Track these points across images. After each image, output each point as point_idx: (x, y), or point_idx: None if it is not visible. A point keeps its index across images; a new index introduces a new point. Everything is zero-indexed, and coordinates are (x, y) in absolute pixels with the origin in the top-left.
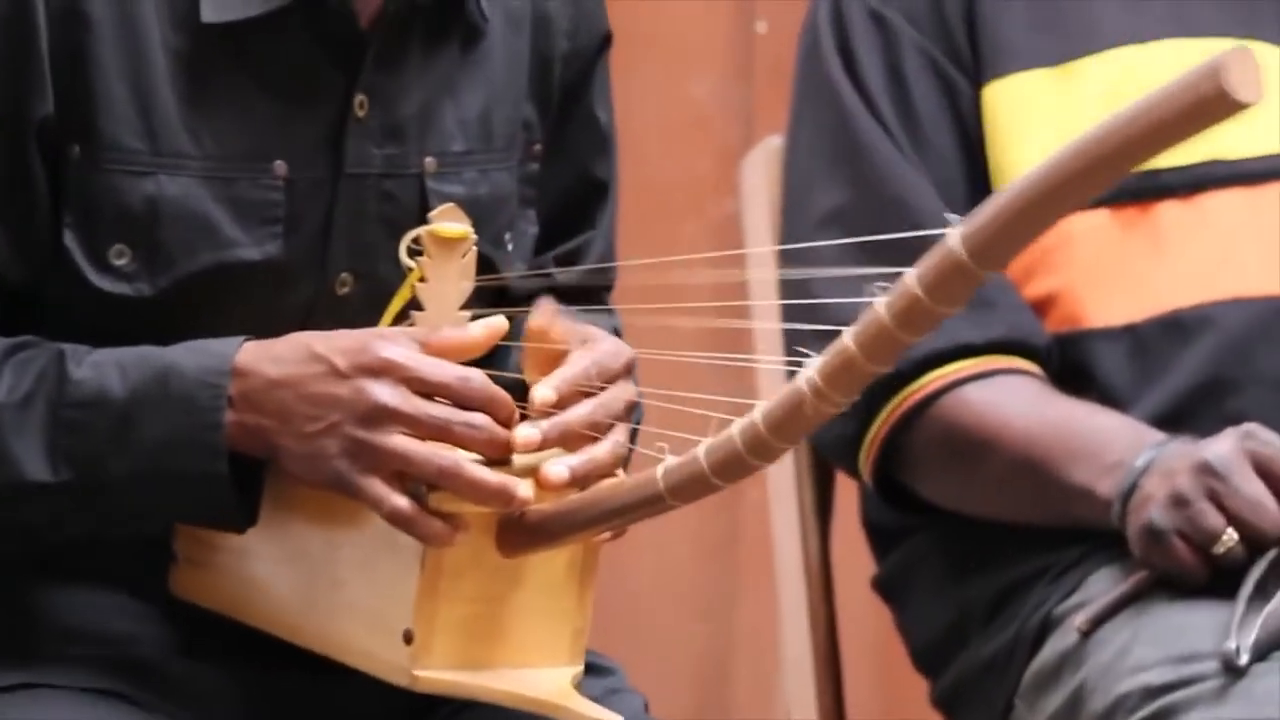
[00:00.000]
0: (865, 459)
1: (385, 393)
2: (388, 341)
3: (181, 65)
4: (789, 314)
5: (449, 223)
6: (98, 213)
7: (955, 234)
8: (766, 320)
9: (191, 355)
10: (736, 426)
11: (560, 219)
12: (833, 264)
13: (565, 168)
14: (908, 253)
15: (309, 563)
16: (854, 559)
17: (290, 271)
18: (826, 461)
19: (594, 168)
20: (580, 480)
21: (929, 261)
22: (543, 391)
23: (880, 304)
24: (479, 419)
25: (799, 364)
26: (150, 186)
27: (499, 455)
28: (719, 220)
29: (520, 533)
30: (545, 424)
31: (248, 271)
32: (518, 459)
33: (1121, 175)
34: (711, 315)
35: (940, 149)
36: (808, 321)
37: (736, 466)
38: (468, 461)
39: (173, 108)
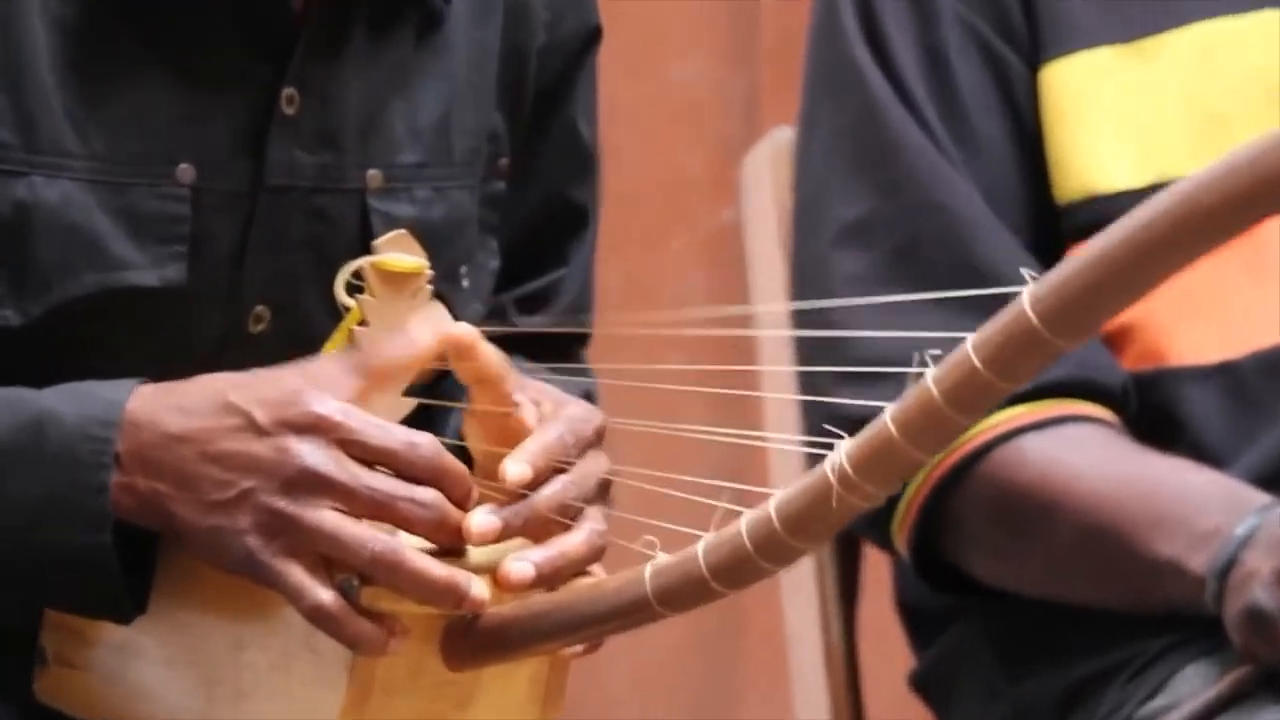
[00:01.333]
0: (900, 527)
1: (315, 455)
2: (320, 391)
3: (66, 40)
4: (807, 355)
5: (399, 254)
6: None
7: (1026, 295)
8: (779, 382)
9: (72, 400)
10: (745, 521)
11: (526, 252)
12: (860, 294)
13: (536, 189)
14: (954, 278)
15: (207, 666)
16: (885, 650)
17: (194, 302)
18: (851, 529)
19: (571, 191)
20: (547, 579)
21: (995, 326)
22: (517, 468)
23: (930, 378)
24: (428, 495)
25: (826, 444)
26: (21, 190)
27: (450, 543)
28: (714, 233)
29: (471, 641)
30: (507, 511)
31: (142, 300)
32: (471, 550)
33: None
34: (709, 375)
35: (988, 143)
36: (828, 362)
37: (744, 570)
38: (410, 549)
39: (53, 93)
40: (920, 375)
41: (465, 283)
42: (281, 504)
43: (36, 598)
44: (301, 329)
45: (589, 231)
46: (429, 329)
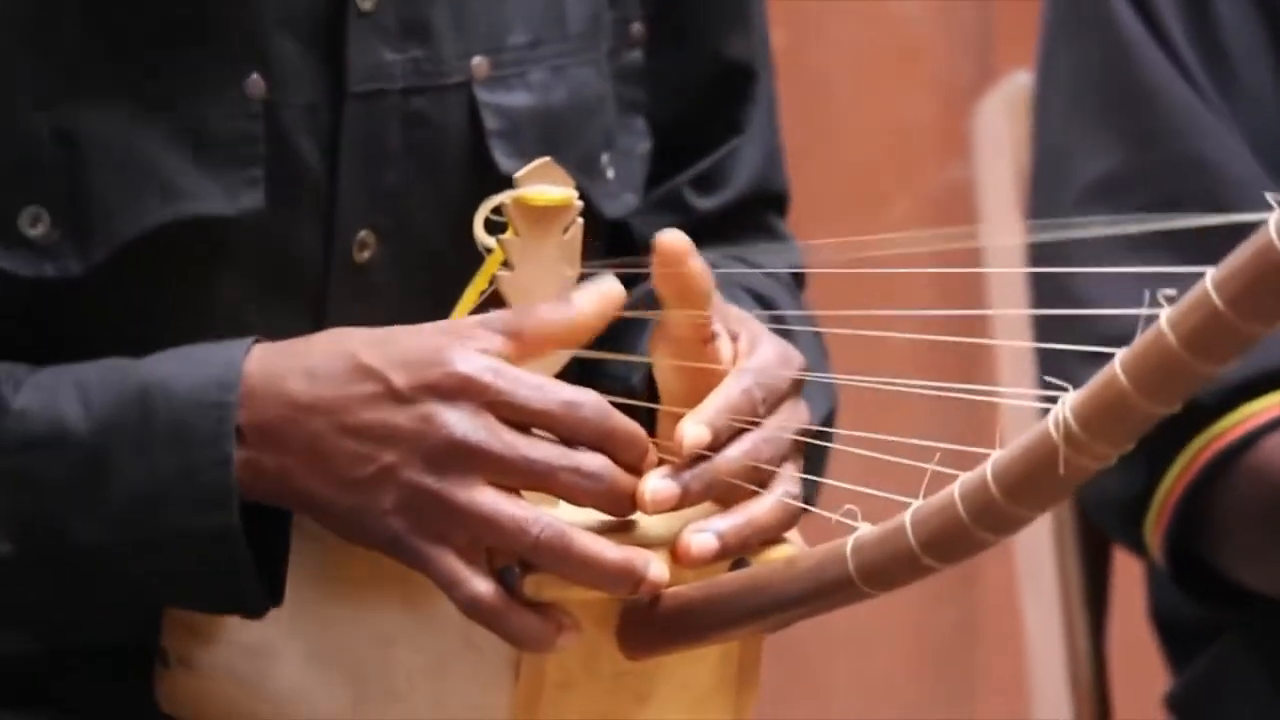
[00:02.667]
0: (1153, 527)
1: (463, 423)
2: (465, 350)
3: None
4: (1042, 323)
5: (544, 185)
6: None
7: (1274, 223)
8: (1007, 330)
9: (181, 366)
10: (959, 486)
11: (691, 125)
12: (1104, 251)
13: (687, 51)
14: (1212, 236)
15: (352, 664)
16: (1137, 667)
17: (282, 233)
18: (1100, 529)
19: (729, 46)
20: (733, 551)
21: (1239, 259)
22: (694, 430)
23: (1164, 319)
24: (594, 463)
25: (1051, 398)
26: (64, 119)
27: (620, 514)
28: (941, 192)
29: (651, 627)
30: (687, 474)
31: (219, 234)
32: (645, 521)
33: None
34: (927, 321)
35: (1255, 91)
36: (1067, 332)
37: (958, 542)
38: (578, 530)
39: (91, 3)
40: (1153, 319)
41: (610, 173)
42: (428, 481)
43: (157, 596)
44: (416, 253)
45: (760, 89)
46: (593, 293)
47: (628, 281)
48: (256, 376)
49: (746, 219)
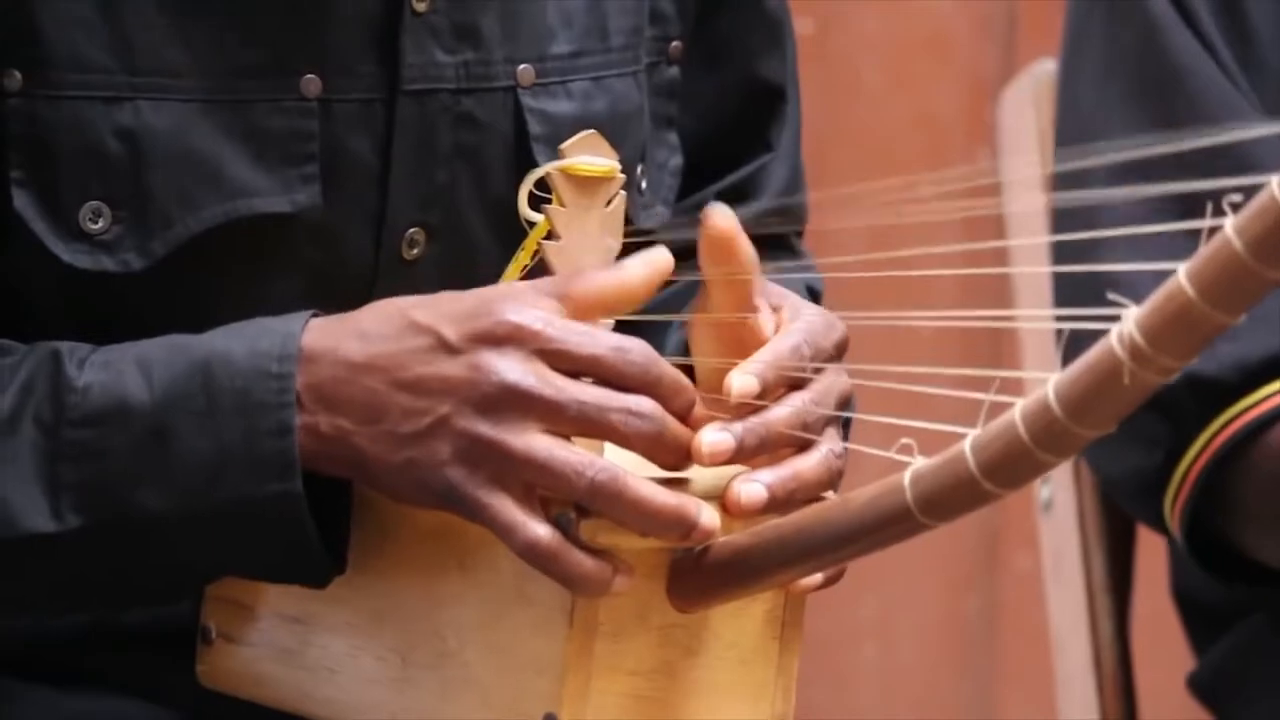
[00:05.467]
0: (1173, 505)
1: (513, 370)
2: (514, 301)
3: None
4: (1067, 292)
5: (590, 156)
6: (57, 160)
7: None
8: (1031, 288)
9: (239, 339)
10: (1019, 410)
11: (721, 141)
12: (1129, 221)
13: (721, 70)
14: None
15: (401, 629)
16: (1161, 648)
17: (336, 229)
18: (1124, 511)
19: (762, 66)
20: (780, 504)
21: None
22: (744, 380)
23: (1230, 225)
24: (645, 405)
25: (1113, 316)
26: (126, 117)
27: (673, 462)
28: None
29: (701, 576)
30: (740, 426)
31: (276, 230)
32: (697, 474)
33: None
34: (952, 302)
35: (1279, 75)
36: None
37: (1021, 465)
38: (632, 475)
39: (152, 3)
40: (1218, 228)
41: (643, 184)
42: (483, 428)
43: (223, 565)
44: (463, 251)
45: (790, 109)
46: (642, 260)
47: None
48: (315, 344)
49: (768, 235)
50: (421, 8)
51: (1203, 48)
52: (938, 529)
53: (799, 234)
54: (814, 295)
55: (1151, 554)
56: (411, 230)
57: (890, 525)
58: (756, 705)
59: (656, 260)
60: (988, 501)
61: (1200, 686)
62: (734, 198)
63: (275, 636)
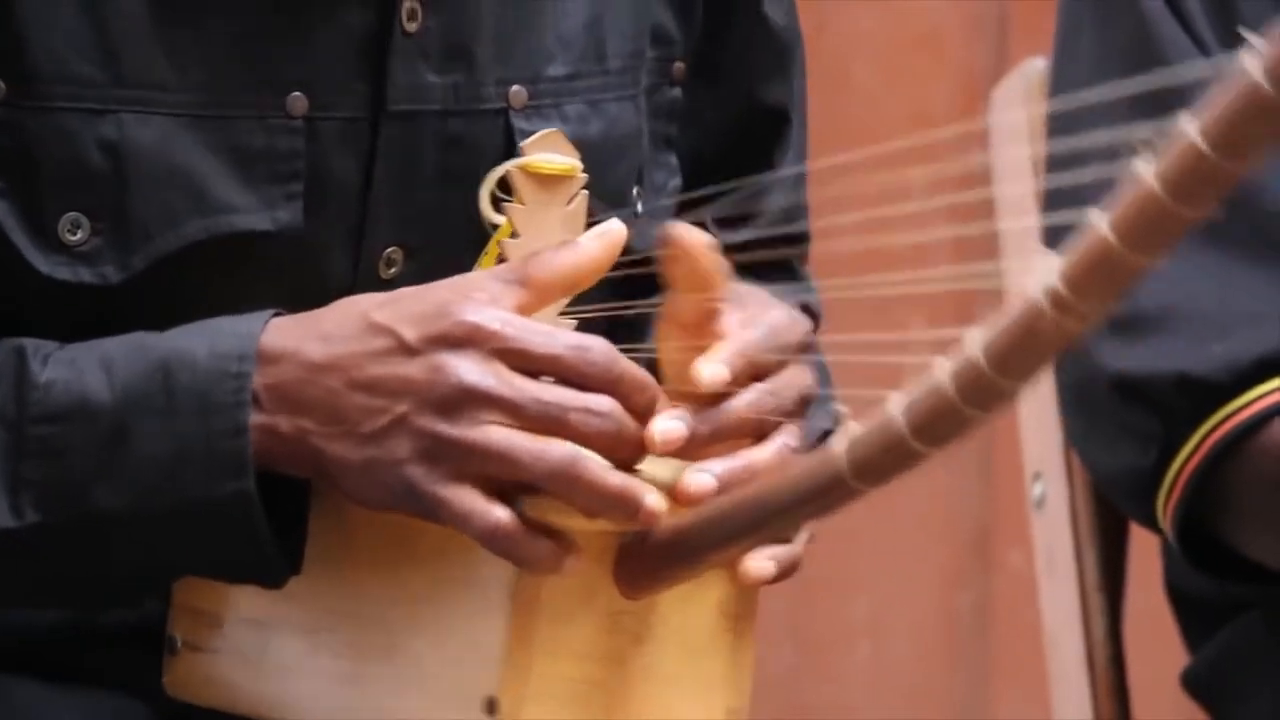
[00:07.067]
0: (1165, 502)
1: (472, 371)
2: (473, 301)
3: None
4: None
5: (549, 154)
6: (38, 171)
7: (1251, 61)
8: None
9: (201, 338)
10: (945, 365)
11: (723, 163)
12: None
13: (725, 91)
14: (1242, 223)
15: (354, 625)
16: (1155, 646)
17: (316, 247)
18: (1116, 508)
19: (766, 89)
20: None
21: (1218, 103)
22: (714, 368)
23: (1144, 167)
24: (604, 404)
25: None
26: (110, 130)
27: (628, 456)
28: (960, 174)
29: (648, 559)
30: (695, 417)
31: (256, 247)
32: (647, 469)
33: None
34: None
35: None
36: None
37: (948, 421)
38: (591, 456)
39: (140, 17)
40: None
41: (639, 206)
42: (441, 427)
43: (180, 564)
44: (440, 269)
45: (794, 132)
46: (596, 234)
47: (643, 277)
48: (274, 345)
49: (770, 258)
50: (412, 28)
51: (1194, 45)
52: (930, 527)
53: (802, 258)
54: (813, 317)
55: (1144, 551)
56: (389, 250)
57: (825, 495)
58: (709, 698)
59: (610, 233)
60: (918, 463)
61: (1194, 683)
62: (732, 219)
63: (239, 642)
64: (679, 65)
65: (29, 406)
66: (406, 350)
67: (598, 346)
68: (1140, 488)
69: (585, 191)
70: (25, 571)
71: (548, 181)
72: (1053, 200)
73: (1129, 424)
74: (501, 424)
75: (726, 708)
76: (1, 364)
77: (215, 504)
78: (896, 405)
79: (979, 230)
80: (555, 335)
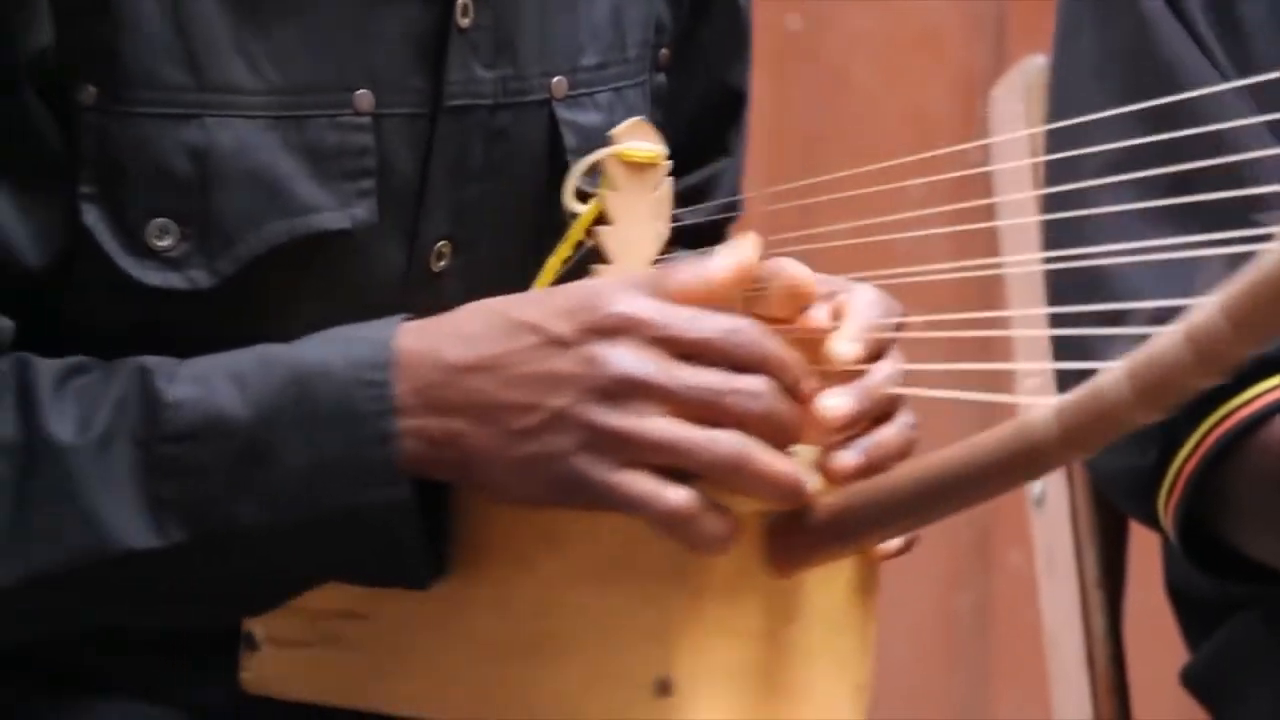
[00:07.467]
0: (1165, 501)
1: (627, 359)
2: (618, 292)
3: None
4: (1059, 296)
5: (641, 142)
6: (125, 177)
7: None
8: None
9: (333, 348)
10: (1173, 332)
11: (687, 144)
12: (1121, 224)
13: (697, 76)
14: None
15: (496, 619)
16: (1155, 644)
17: (377, 243)
18: (1116, 507)
19: (730, 74)
20: (872, 469)
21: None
22: (846, 346)
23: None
24: (758, 384)
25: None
26: (195, 135)
27: (786, 438)
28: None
29: (805, 536)
30: (855, 393)
31: (328, 245)
32: (802, 445)
33: None
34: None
35: (1273, 69)
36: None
37: (1177, 384)
38: (758, 444)
39: (216, 20)
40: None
41: None
42: (605, 417)
43: (325, 572)
44: (486, 263)
45: (745, 115)
46: (728, 254)
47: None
48: (411, 350)
49: (716, 236)
50: (465, 24)
51: (1194, 43)
52: (930, 527)
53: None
54: None
55: (1144, 549)
56: (440, 243)
57: (1023, 463)
58: (841, 674)
59: (743, 257)
60: (1130, 429)
61: (1194, 681)
62: (692, 198)
63: (332, 633)
64: (664, 52)
65: (161, 425)
66: (558, 344)
67: (746, 327)
68: (1140, 487)
69: (671, 178)
70: (163, 590)
71: (638, 169)
72: (1052, 200)
73: None
74: (661, 412)
75: (854, 684)
76: (127, 384)
77: (364, 512)
78: (1115, 372)
79: (978, 227)
80: (704, 320)
